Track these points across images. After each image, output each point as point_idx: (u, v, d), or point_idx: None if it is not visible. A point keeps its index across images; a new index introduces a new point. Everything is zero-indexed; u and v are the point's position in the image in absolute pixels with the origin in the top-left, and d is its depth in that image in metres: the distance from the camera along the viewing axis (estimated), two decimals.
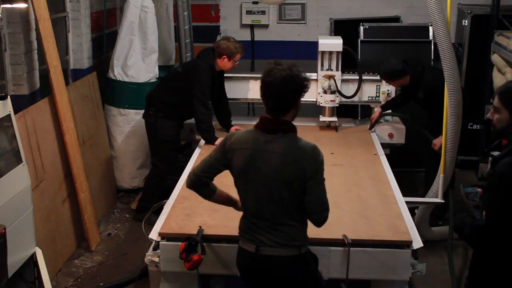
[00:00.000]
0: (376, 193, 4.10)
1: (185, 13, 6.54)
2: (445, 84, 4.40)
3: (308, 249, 2.99)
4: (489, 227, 2.82)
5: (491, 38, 6.32)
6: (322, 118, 5.73)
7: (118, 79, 6.01)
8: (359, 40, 6.88)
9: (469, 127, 6.74)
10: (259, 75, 6.07)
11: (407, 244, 3.39)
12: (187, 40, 6.62)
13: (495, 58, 6.21)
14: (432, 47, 6.82)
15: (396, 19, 7.41)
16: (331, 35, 7.37)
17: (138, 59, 6.02)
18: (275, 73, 2.77)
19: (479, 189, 3.06)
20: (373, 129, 5.65)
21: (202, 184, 3.02)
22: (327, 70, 5.70)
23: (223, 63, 5.27)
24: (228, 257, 3.34)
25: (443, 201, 4.73)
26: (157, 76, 6.20)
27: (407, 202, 4.04)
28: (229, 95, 5.84)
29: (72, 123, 5.12)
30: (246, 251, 2.96)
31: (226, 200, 3.18)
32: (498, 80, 6.19)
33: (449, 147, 4.60)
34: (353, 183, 4.26)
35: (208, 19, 7.70)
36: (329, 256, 3.35)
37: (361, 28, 6.91)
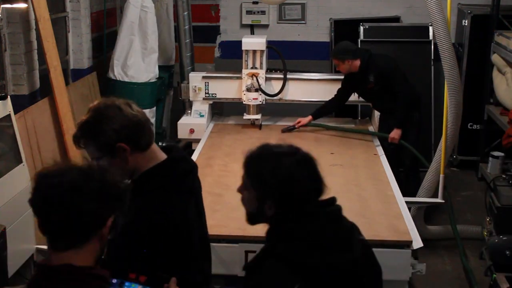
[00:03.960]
0: (376, 193, 4.10)
1: (185, 13, 6.53)
2: (445, 84, 4.41)
3: None
4: None
5: (491, 38, 6.31)
6: (245, 116, 5.79)
7: (118, 79, 6.00)
8: (359, 40, 6.87)
9: (469, 127, 6.74)
10: None
11: (407, 244, 3.39)
12: (187, 40, 6.61)
13: (495, 58, 6.21)
14: (432, 47, 6.82)
15: (396, 19, 7.41)
16: (331, 35, 7.37)
17: (138, 59, 6.01)
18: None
19: None
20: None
21: None
22: (251, 68, 5.77)
23: None
24: (228, 257, 3.35)
25: (443, 201, 4.73)
26: (157, 76, 6.20)
27: (407, 202, 4.04)
28: (229, 95, 5.88)
29: (72, 123, 5.11)
30: None
31: None
32: (498, 80, 6.19)
33: (448, 146, 4.61)
34: (353, 183, 4.26)
35: (208, 19, 7.70)
36: None
37: (361, 28, 6.91)
